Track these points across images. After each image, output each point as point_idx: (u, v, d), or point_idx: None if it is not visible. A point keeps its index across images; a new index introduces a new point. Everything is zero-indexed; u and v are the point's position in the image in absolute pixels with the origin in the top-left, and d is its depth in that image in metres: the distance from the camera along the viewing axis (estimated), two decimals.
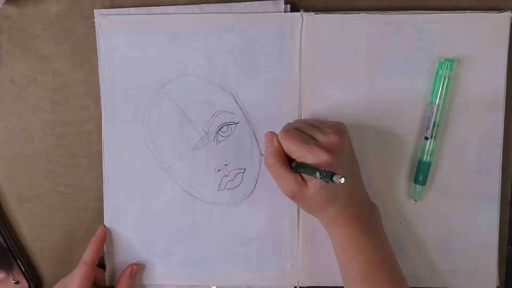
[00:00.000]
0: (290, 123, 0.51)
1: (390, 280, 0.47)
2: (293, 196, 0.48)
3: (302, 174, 0.47)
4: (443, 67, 0.52)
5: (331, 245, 0.50)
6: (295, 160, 0.48)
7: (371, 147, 0.54)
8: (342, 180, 0.41)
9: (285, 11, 0.53)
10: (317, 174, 0.44)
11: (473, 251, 0.54)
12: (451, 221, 0.54)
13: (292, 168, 0.48)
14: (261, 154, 0.54)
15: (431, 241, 0.54)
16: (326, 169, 0.43)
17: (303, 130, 0.49)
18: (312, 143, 0.47)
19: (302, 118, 0.54)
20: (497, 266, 0.54)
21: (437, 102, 0.52)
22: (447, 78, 0.52)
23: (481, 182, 0.54)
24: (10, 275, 0.56)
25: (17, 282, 0.56)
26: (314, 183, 0.47)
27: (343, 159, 0.47)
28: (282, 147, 0.49)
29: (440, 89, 0.52)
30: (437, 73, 0.52)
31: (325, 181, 0.43)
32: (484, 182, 0.54)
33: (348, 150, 0.49)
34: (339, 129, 0.49)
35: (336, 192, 0.47)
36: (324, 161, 0.46)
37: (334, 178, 0.42)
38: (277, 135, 0.49)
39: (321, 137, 0.48)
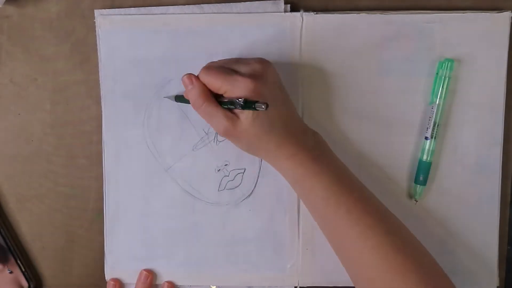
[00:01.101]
0: (208, 63, 0.50)
1: (353, 198, 0.47)
2: (227, 133, 0.47)
3: (233, 110, 0.47)
4: (443, 67, 0.52)
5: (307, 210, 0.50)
6: (222, 96, 0.47)
7: (371, 147, 0.54)
8: (263, 106, 0.43)
9: (285, 11, 0.53)
10: (240, 103, 0.45)
11: (473, 251, 0.54)
12: (451, 221, 0.54)
13: (220, 104, 0.47)
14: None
15: (431, 241, 0.54)
16: (249, 99, 0.44)
17: (223, 65, 0.48)
18: (235, 74, 0.46)
19: (302, 118, 0.54)
20: (497, 266, 0.54)
21: (437, 102, 0.52)
22: (447, 78, 0.52)
23: (481, 182, 0.54)
24: (6, 266, 0.56)
25: (11, 272, 0.56)
26: (246, 115, 0.46)
27: (269, 87, 0.47)
28: (205, 85, 0.47)
29: (440, 89, 0.52)
30: (437, 73, 0.52)
31: (253, 109, 0.44)
32: (484, 182, 0.54)
33: (274, 79, 0.48)
34: (261, 60, 0.48)
35: (271, 122, 0.47)
36: (250, 89, 0.45)
37: (258, 105, 0.43)
38: (195, 76, 0.48)
39: (243, 68, 0.47)
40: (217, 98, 0.48)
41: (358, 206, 0.46)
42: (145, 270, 0.55)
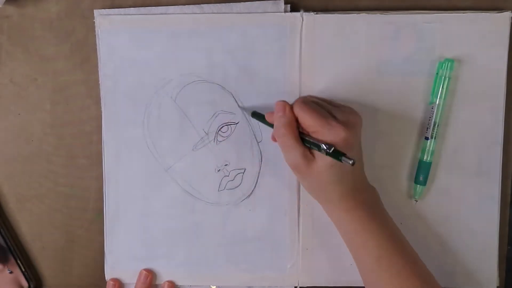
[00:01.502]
0: (305, 96, 0.50)
1: (404, 259, 0.47)
2: (297, 169, 0.47)
3: (312, 149, 0.46)
4: (443, 67, 0.52)
5: (338, 233, 0.50)
6: (306, 133, 0.47)
7: (371, 147, 0.54)
8: (351, 162, 0.42)
9: (285, 11, 0.53)
10: (326, 150, 0.44)
11: (473, 251, 0.54)
12: (451, 221, 0.54)
13: (303, 141, 0.47)
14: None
15: (431, 241, 0.54)
16: (337, 149, 0.44)
17: (319, 104, 0.48)
18: (330, 118, 0.46)
19: None
20: (497, 266, 0.54)
21: (437, 102, 0.52)
22: (447, 78, 0.52)
23: (481, 182, 0.54)
24: (6, 266, 0.56)
25: (11, 272, 0.56)
26: (324, 161, 0.45)
27: (356, 141, 0.47)
28: (294, 118, 0.47)
29: (440, 89, 0.52)
30: (437, 73, 0.52)
31: (337, 159, 0.43)
32: (484, 182, 0.54)
33: (360, 134, 0.49)
34: (354, 111, 0.49)
35: (343, 173, 0.47)
36: (341, 138, 0.45)
37: (345, 158, 0.42)
38: (289, 105, 0.48)
39: (339, 114, 0.47)
40: (300, 133, 0.47)
41: (407, 268, 0.47)
42: (144, 269, 0.55)
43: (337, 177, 0.46)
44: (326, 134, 0.45)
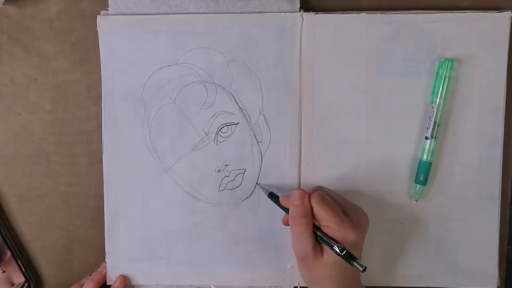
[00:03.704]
0: (321, 188, 0.51)
1: None
2: (304, 260, 0.48)
3: (321, 244, 0.47)
4: (443, 67, 0.52)
5: None
6: (318, 226, 0.48)
7: (371, 147, 0.54)
8: (361, 268, 0.44)
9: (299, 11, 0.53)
10: (339, 251, 0.45)
11: (473, 251, 0.54)
12: (451, 221, 0.54)
13: (314, 234, 0.48)
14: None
15: (432, 241, 0.54)
16: (347, 250, 0.45)
17: (334, 199, 0.49)
18: (344, 218, 0.47)
19: (302, 118, 0.54)
20: (498, 266, 0.54)
21: (437, 102, 0.52)
22: (447, 78, 0.52)
23: (481, 182, 0.54)
24: None
25: (4, 272, 0.56)
26: (331, 256, 0.46)
27: (361, 244, 0.48)
28: (311, 209, 0.48)
29: (440, 89, 0.52)
30: (437, 73, 0.52)
31: (347, 262, 0.45)
32: (484, 182, 0.54)
33: (365, 236, 0.49)
34: (364, 212, 0.50)
35: (346, 272, 0.47)
36: (351, 240, 0.46)
37: (356, 263, 0.44)
38: (308, 196, 0.48)
39: (353, 215, 0.48)
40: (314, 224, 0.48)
41: None
42: (121, 275, 0.56)
43: (339, 274, 0.47)
44: (337, 231, 0.46)
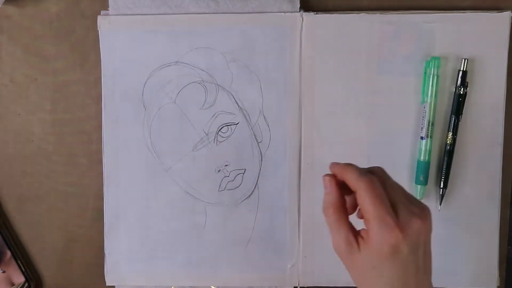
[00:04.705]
0: (376, 172, 0.42)
1: None
2: (339, 254, 0.41)
3: (359, 239, 0.40)
4: (430, 66, 0.52)
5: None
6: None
7: (371, 147, 0.54)
8: None
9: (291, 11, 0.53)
10: None
11: (473, 251, 0.54)
12: (451, 221, 0.54)
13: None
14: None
15: (432, 241, 0.54)
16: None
17: (388, 188, 0.40)
18: (389, 214, 0.38)
19: (302, 118, 0.53)
20: (498, 266, 0.54)
21: (428, 101, 0.52)
22: (435, 76, 0.52)
23: (481, 182, 0.54)
24: None
25: (3, 272, 0.56)
26: (368, 257, 0.39)
27: (411, 249, 0.38)
28: (339, 195, 0.41)
29: (430, 88, 0.52)
30: (425, 72, 0.52)
31: None
32: (484, 182, 0.54)
33: (424, 242, 0.40)
34: (425, 214, 0.40)
35: (391, 281, 0.39)
36: (390, 244, 0.38)
37: None
38: (334, 181, 0.41)
39: (403, 212, 0.39)
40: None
41: None
42: None
43: (381, 284, 0.39)
44: (375, 229, 0.38)
